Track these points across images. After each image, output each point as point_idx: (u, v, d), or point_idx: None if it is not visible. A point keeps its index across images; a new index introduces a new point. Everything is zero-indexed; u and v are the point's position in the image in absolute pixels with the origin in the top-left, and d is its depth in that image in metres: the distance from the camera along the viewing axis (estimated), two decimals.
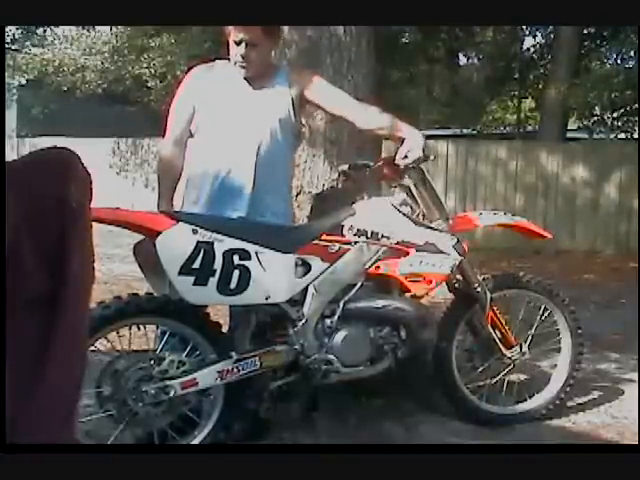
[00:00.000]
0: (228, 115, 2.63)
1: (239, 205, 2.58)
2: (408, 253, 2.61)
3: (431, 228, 2.70)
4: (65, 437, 1.28)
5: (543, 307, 3.02)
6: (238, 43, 2.56)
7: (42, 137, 12.05)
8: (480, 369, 2.97)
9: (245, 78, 2.63)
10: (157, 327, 2.53)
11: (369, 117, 2.68)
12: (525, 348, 2.97)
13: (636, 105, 11.45)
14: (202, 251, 2.31)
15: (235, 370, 2.40)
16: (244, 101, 2.64)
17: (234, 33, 2.55)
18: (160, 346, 2.42)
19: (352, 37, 3.01)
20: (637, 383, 3.38)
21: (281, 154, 2.66)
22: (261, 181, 2.59)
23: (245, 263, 2.37)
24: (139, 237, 2.46)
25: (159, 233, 2.28)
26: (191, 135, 2.70)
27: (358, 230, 2.58)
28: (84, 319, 1.33)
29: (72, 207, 1.28)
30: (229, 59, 2.65)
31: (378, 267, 2.60)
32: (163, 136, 2.73)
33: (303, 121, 2.87)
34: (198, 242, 2.31)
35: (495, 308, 2.89)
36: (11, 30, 14.10)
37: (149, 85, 11.92)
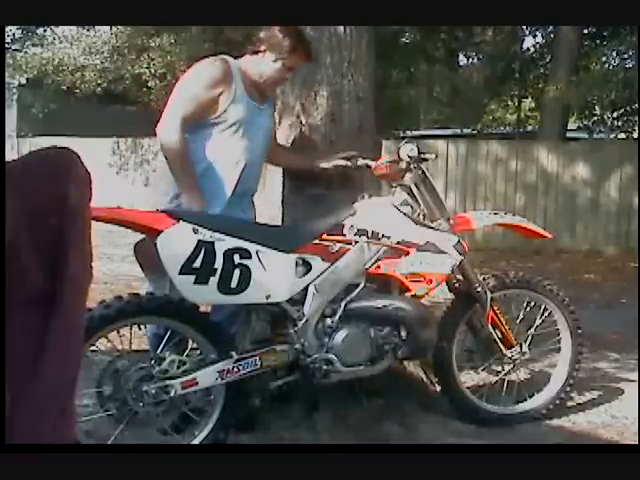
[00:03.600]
0: (245, 117, 2.65)
1: (215, 205, 2.60)
2: (409, 253, 2.62)
3: (432, 228, 2.70)
4: (61, 436, 1.28)
5: (543, 307, 3.02)
6: (290, 69, 2.69)
7: (42, 137, 12.05)
8: (480, 369, 2.97)
9: (258, 92, 2.72)
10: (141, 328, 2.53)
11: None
12: (525, 348, 2.97)
13: (636, 105, 11.45)
14: (203, 250, 2.31)
15: (235, 370, 2.40)
16: (255, 111, 2.70)
17: (294, 60, 2.66)
18: (161, 347, 2.42)
19: (352, 37, 3.01)
20: (637, 383, 3.38)
21: (258, 166, 2.78)
22: (241, 187, 2.67)
23: (246, 262, 2.37)
24: (139, 236, 2.46)
25: (160, 232, 2.28)
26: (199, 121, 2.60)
27: (359, 230, 2.58)
28: (81, 318, 1.33)
29: (72, 206, 1.28)
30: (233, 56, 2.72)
31: (379, 267, 2.60)
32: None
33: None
34: (199, 241, 2.31)
35: (495, 308, 2.89)
36: (11, 30, 14.12)
37: (149, 85, 11.91)
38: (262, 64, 2.68)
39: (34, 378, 1.23)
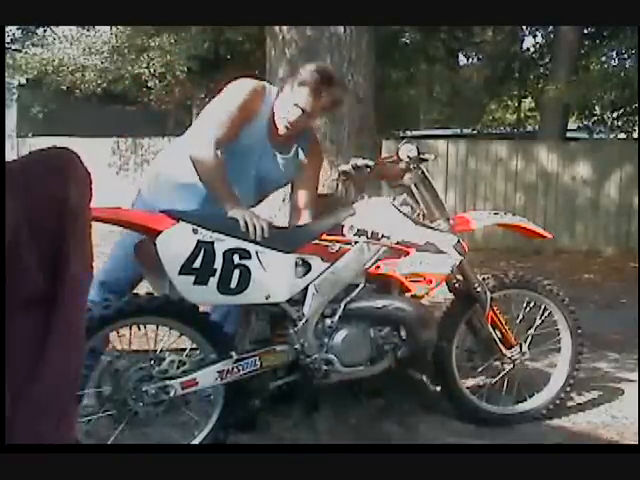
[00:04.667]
0: (249, 158, 2.59)
1: None
2: (408, 253, 2.62)
3: (431, 228, 2.70)
4: (61, 436, 1.28)
5: (543, 307, 3.02)
6: (303, 110, 2.51)
7: (42, 137, 12.04)
8: (480, 369, 2.97)
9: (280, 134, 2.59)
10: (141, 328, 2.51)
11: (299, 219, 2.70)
12: (525, 348, 2.97)
13: (636, 105, 11.44)
14: (202, 250, 2.31)
15: (235, 370, 2.40)
16: (268, 155, 2.62)
17: (304, 100, 2.49)
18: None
19: (352, 37, 3.01)
20: (637, 383, 3.38)
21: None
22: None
23: (245, 263, 2.37)
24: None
25: (159, 232, 2.28)
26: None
27: (358, 230, 2.58)
28: (81, 318, 1.33)
29: (72, 207, 1.28)
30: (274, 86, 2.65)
31: (378, 267, 2.60)
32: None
33: None
34: (198, 241, 2.31)
35: (495, 308, 2.89)
36: (11, 30, 14.10)
37: (149, 85, 11.91)
38: (286, 104, 2.53)
39: (35, 378, 1.23)
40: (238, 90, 2.54)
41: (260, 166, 2.63)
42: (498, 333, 2.91)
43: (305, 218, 2.69)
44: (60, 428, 1.28)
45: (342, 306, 2.55)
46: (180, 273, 2.28)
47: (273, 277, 2.43)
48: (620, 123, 13.88)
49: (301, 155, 2.69)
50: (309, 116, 2.56)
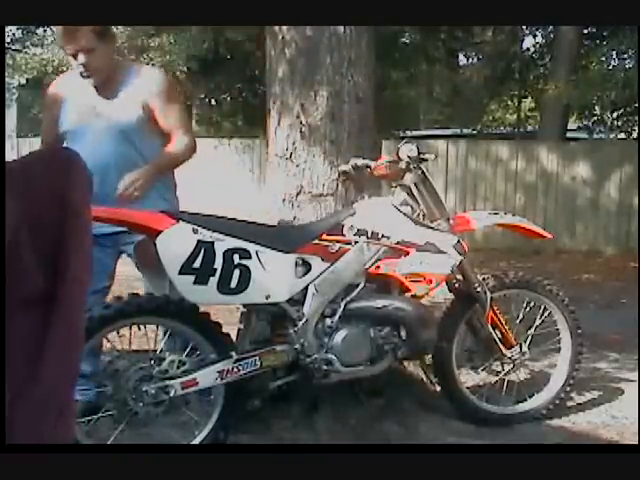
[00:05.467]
0: (81, 126, 2.66)
1: None
2: (408, 253, 2.62)
3: (431, 228, 2.70)
4: (60, 436, 1.28)
5: (543, 307, 3.02)
6: (74, 55, 2.59)
7: None
8: (480, 369, 2.97)
9: (95, 86, 2.67)
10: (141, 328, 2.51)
11: (180, 149, 2.69)
12: (525, 348, 2.97)
13: (636, 105, 11.44)
14: (202, 250, 2.31)
15: (235, 370, 2.40)
16: (93, 112, 2.67)
17: (66, 46, 2.59)
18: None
19: (352, 37, 3.01)
20: (637, 383, 3.38)
21: (139, 157, 2.66)
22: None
23: (245, 262, 2.37)
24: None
25: (159, 232, 2.28)
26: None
27: (358, 230, 2.58)
28: (81, 319, 1.33)
29: (72, 206, 1.28)
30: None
31: (378, 267, 2.60)
32: None
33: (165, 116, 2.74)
34: (198, 241, 2.31)
35: (495, 308, 2.89)
36: (11, 30, 14.09)
37: None
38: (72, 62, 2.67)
39: (34, 378, 1.23)
40: (47, 93, 2.84)
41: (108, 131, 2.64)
42: (498, 333, 2.91)
43: (180, 140, 2.67)
44: (58, 427, 1.28)
45: (342, 306, 2.55)
46: (180, 273, 2.29)
47: (273, 277, 2.43)
48: (620, 123, 13.88)
49: (130, 92, 2.68)
50: (87, 52, 2.57)
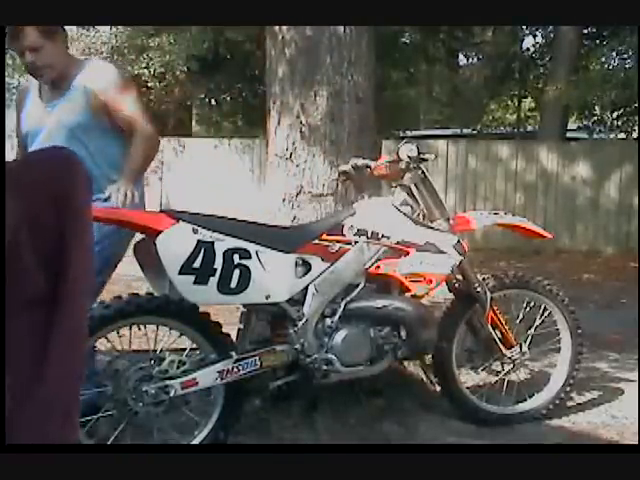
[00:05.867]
0: (35, 128, 2.65)
1: None
2: (408, 253, 2.62)
3: (431, 228, 2.70)
4: (66, 436, 1.28)
5: (543, 307, 3.02)
6: (21, 54, 2.57)
7: None
8: (480, 369, 2.97)
9: (48, 85, 2.65)
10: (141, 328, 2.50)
11: (148, 144, 2.61)
12: (525, 348, 2.97)
13: (636, 105, 11.45)
14: (202, 250, 2.31)
15: (235, 370, 2.40)
16: (45, 112, 2.64)
17: (12, 45, 2.57)
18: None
19: (352, 37, 3.01)
20: (637, 383, 3.38)
21: (88, 156, 2.55)
22: None
23: (245, 262, 2.37)
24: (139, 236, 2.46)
25: (159, 232, 2.28)
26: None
27: (358, 230, 2.58)
28: (83, 319, 1.33)
29: (72, 206, 1.28)
30: None
31: (378, 267, 2.60)
32: None
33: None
34: (198, 241, 2.31)
35: (495, 308, 2.89)
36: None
37: (149, 85, 11.90)
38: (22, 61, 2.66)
39: (39, 379, 1.23)
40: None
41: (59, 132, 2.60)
42: (498, 333, 2.91)
43: (142, 132, 2.58)
44: (65, 428, 1.28)
45: (342, 306, 2.55)
46: (180, 273, 2.29)
47: (273, 277, 2.43)
48: (620, 123, 13.88)
49: (78, 89, 2.61)
50: (33, 51, 2.52)
